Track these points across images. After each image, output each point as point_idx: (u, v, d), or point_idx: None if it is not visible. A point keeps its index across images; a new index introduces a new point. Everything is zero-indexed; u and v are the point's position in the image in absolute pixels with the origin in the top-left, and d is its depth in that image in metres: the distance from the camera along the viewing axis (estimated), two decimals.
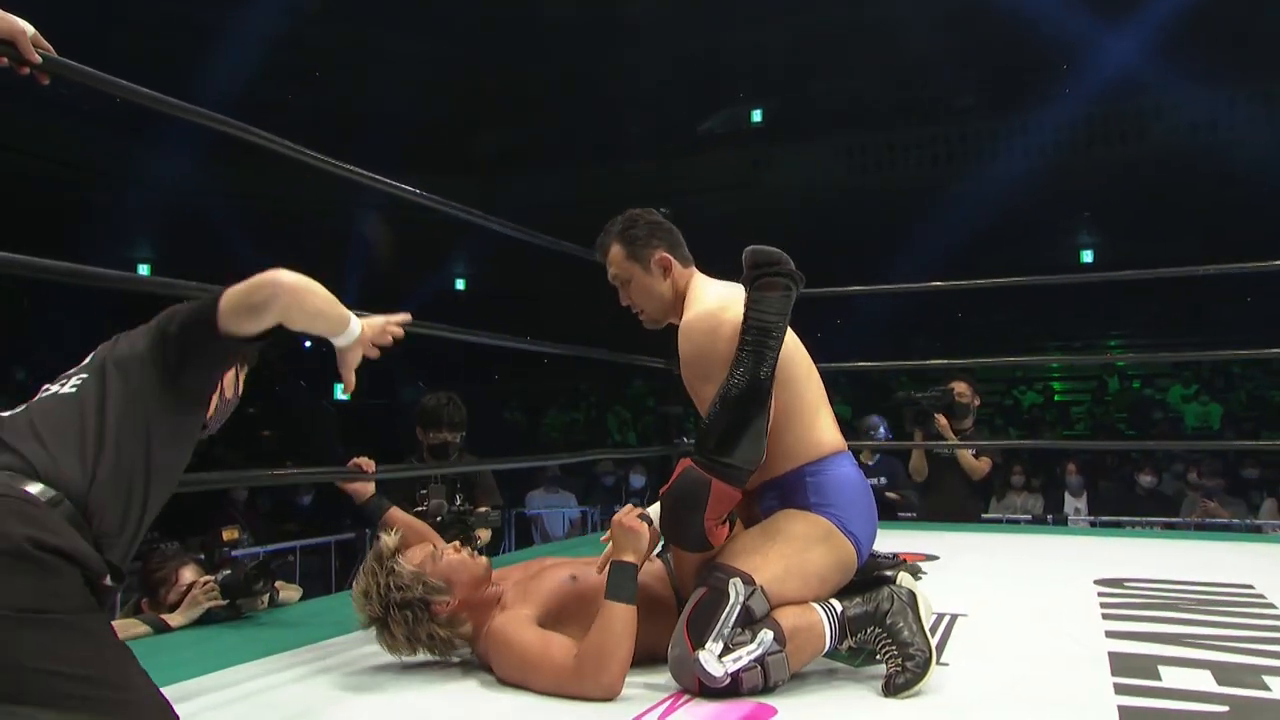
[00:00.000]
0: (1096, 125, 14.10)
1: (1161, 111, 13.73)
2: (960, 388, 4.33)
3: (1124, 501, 6.54)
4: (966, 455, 4.33)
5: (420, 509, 2.80)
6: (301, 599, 2.66)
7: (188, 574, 2.48)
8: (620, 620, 1.69)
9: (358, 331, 1.50)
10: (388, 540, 1.83)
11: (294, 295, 1.36)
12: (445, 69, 16.00)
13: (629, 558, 1.75)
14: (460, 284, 18.26)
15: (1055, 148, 14.12)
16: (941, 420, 4.27)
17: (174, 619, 2.35)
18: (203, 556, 2.55)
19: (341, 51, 15.97)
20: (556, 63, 16.20)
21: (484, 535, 3.28)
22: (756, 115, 17.36)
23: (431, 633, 1.78)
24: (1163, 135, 13.63)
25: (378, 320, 1.57)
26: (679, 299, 1.99)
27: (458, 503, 3.21)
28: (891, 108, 16.08)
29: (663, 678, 1.75)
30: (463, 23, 15.69)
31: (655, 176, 14.74)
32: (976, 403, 4.47)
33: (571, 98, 16.70)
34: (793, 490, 1.84)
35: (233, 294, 1.36)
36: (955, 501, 4.36)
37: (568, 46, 16.05)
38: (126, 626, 2.40)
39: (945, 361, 9.12)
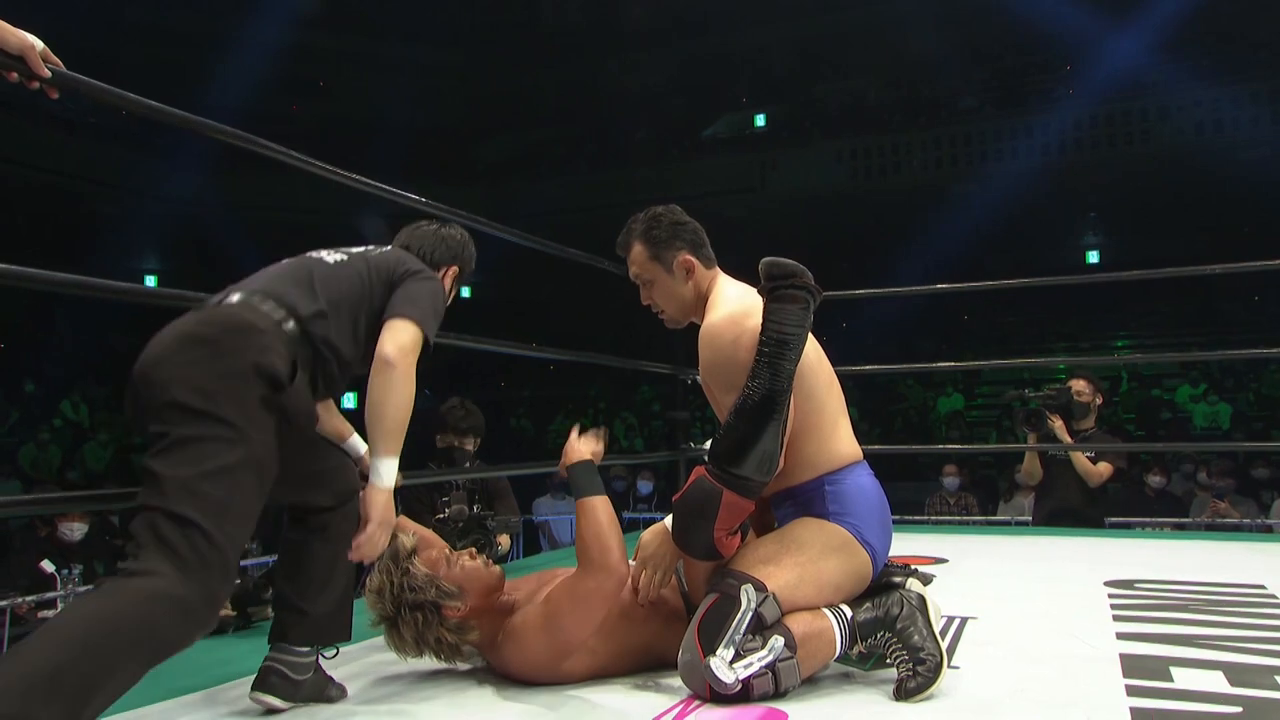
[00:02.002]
0: (1101, 126, 14.09)
1: (1167, 111, 13.71)
2: (1079, 386, 4.10)
3: (1133, 502, 6.50)
4: (1082, 459, 4.02)
5: (440, 516, 2.81)
6: None
7: None
8: (600, 510, 1.76)
9: (391, 482, 1.69)
10: (405, 541, 1.84)
11: (399, 395, 1.65)
12: (449, 77, 16.06)
13: (581, 458, 1.84)
14: (466, 292, 18.26)
15: (1060, 148, 14.11)
16: (1056, 421, 4.03)
17: None
18: None
19: (346, 62, 16.04)
20: (560, 69, 16.24)
21: (504, 542, 3.28)
22: (760, 119, 17.37)
23: (440, 636, 1.78)
24: (1168, 135, 13.61)
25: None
26: (701, 300, 1.98)
27: (476, 509, 3.22)
28: (896, 110, 16.09)
29: (674, 682, 1.75)
30: (466, 31, 15.75)
31: (659, 181, 14.76)
32: (1099, 401, 4.18)
33: (575, 104, 16.74)
34: (810, 499, 1.84)
35: (395, 345, 1.67)
36: (1071, 507, 4.08)
37: (571, 53, 16.08)
38: None
39: (953, 364, 9.18)
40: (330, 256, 1.79)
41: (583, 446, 1.87)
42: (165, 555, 1.33)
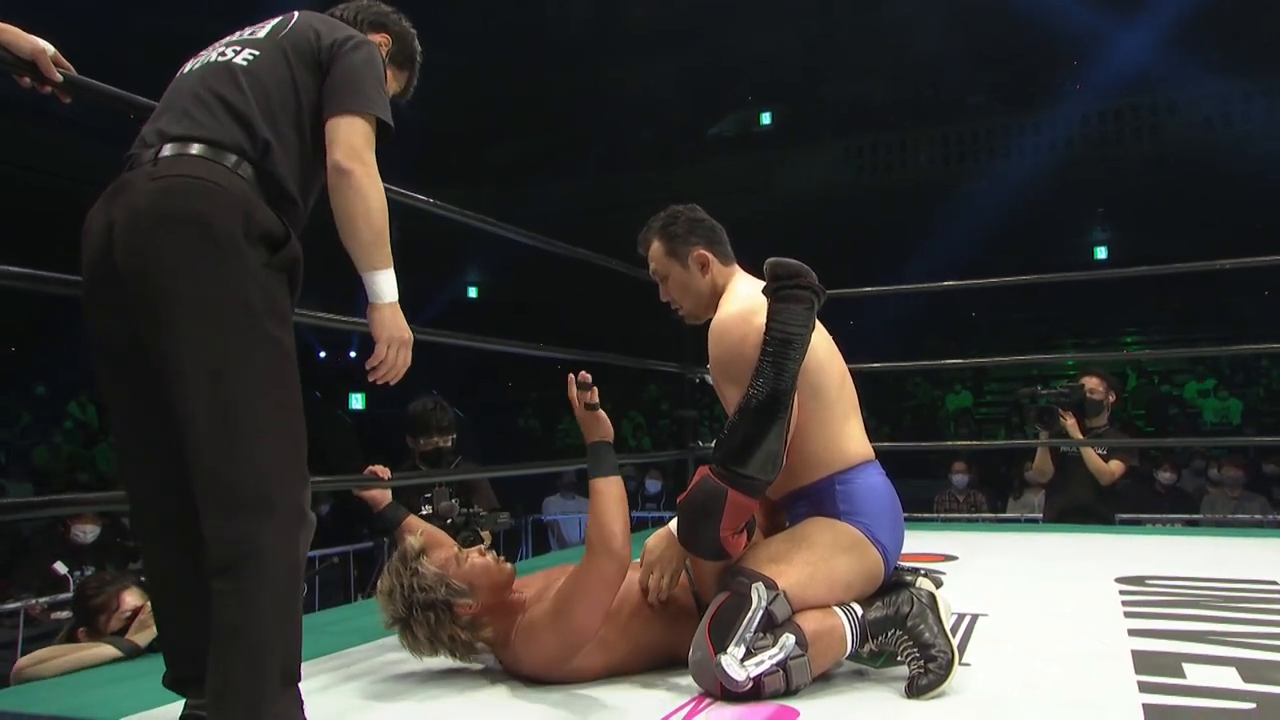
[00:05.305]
0: (1109, 121, 14.03)
1: (1175, 106, 13.64)
2: (1092, 383, 4.08)
3: (1144, 499, 6.47)
4: (1093, 456, 3.99)
5: (426, 513, 2.80)
6: (320, 608, 2.66)
7: (129, 598, 2.46)
8: (611, 491, 1.77)
9: (392, 297, 1.54)
10: (413, 541, 1.85)
11: (365, 195, 1.49)
12: (456, 81, 16.06)
13: (598, 438, 1.83)
14: (473, 292, 18.32)
15: (1068, 144, 14.06)
16: (1069, 419, 4.00)
17: (138, 640, 2.33)
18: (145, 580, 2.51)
19: None
20: (566, 72, 16.22)
21: (486, 538, 3.29)
22: (766, 118, 17.34)
23: (453, 634, 1.79)
24: (1177, 130, 13.54)
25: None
26: (717, 296, 2.00)
27: (456, 503, 3.22)
28: (903, 107, 16.04)
29: (685, 680, 1.75)
30: (472, 35, 15.74)
31: (665, 183, 14.76)
32: (1112, 399, 4.14)
33: (581, 107, 16.72)
34: (821, 499, 1.84)
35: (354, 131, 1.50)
36: (1082, 505, 4.06)
37: (576, 56, 16.07)
38: (88, 648, 2.33)
39: (961, 361, 9.15)
40: (239, 56, 1.52)
41: (599, 426, 1.85)
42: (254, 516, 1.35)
